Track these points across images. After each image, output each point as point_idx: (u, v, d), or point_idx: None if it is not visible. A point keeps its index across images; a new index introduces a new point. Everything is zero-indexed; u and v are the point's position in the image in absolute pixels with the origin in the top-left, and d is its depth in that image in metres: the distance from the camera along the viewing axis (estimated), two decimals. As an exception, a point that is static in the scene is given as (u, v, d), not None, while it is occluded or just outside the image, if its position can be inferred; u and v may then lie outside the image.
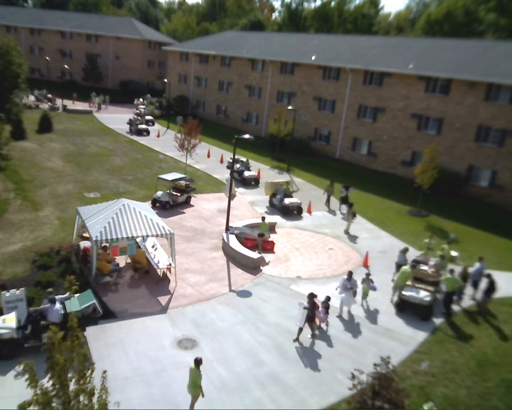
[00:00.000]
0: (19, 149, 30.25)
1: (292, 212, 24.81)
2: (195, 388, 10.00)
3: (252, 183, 30.05)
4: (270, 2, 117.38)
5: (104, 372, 7.16)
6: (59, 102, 49.68)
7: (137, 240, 16.17)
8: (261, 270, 17.84)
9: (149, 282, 16.05)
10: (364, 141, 38.06)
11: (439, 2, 71.60)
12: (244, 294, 15.94)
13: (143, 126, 41.94)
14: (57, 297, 12.58)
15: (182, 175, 25.12)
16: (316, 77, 41.46)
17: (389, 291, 16.96)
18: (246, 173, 30.00)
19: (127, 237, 14.96)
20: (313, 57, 41.58)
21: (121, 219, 15.43)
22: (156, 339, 12.90)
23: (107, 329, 13.08)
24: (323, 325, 14.26)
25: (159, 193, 23.64)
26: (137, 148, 36.23)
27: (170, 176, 24.15)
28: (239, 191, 27.53)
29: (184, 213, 23.39)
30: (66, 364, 6.71)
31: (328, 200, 26.81)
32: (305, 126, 42.16)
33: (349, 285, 15.00)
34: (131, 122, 42.65)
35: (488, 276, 16.00)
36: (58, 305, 12.29)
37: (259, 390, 11.29)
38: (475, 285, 16.72)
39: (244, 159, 32.06)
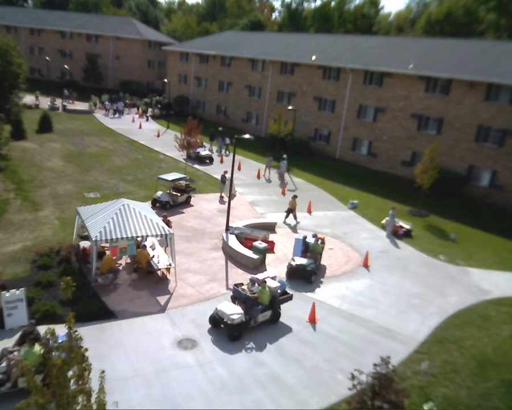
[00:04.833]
0: (19, 149, 30.24)
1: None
2: None
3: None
4: (270, 2, 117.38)
5: (102, 372, 7.14)
6: (59, 102, 49.67)
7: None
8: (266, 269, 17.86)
9: (149, 282, 16.04)
10: (364, 141, 38.04)
11: (439, 2, 71.60)
12: (244, 294, 15.91)
13: (205, 153, 34.46)
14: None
15: (182, 175, 25.11)
16: (316, 77, 41.45)
17: (390, 291, 16.99)
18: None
19: (127, 237, 14.95)
20: (313, 57, 41.57)
21: (121, 219, 15.41)
22: (156, 339, 12.89)
23: (107, 329, 13.08)
24: None
25: (159, 193, 23.63)
26: (137, 148, 36.21)
27: (170, 176, 24.12)
28: (239, 190, 27.52)
29: (184, 213, 23.38)
30: (64, 365, 6.68)
31: None
32: (305, 126, 42.16)
33: None
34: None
35: None
36: None
37: (259, 390, 11.28)
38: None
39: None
